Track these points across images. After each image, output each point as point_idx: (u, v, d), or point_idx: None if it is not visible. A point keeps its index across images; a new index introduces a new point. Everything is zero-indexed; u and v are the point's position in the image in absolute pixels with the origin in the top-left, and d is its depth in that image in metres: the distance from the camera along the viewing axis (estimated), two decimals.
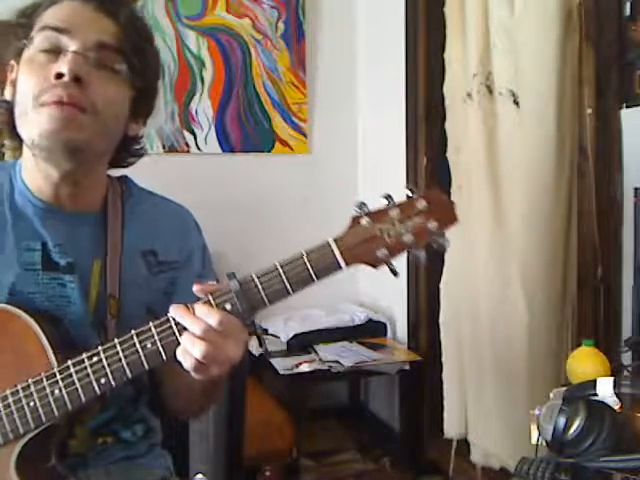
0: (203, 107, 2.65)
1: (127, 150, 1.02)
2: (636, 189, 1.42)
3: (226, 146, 2.69)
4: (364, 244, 0.81)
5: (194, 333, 0.80)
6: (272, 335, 2.49)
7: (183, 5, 2.61)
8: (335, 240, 0.81)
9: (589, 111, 1.68)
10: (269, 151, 2.75)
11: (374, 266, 0.82)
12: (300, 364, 2.25)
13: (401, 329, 2.60)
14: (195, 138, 2.65)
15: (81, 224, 0.98)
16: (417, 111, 2.43)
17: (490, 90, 1.93)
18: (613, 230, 1.67)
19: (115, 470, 1.02)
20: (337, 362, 2.26)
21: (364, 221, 0.81)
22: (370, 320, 2.58)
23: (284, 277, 0.80)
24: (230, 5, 2.67)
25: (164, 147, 2.60)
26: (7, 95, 0.94)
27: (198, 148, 2.65)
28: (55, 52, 0.88)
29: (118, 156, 1.02)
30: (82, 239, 0.97)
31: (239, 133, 2.70)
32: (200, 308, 0.81)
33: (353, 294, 2.83)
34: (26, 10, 0.94)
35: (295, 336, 2.42)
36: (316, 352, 2.36)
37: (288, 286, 0.81)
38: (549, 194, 1.76)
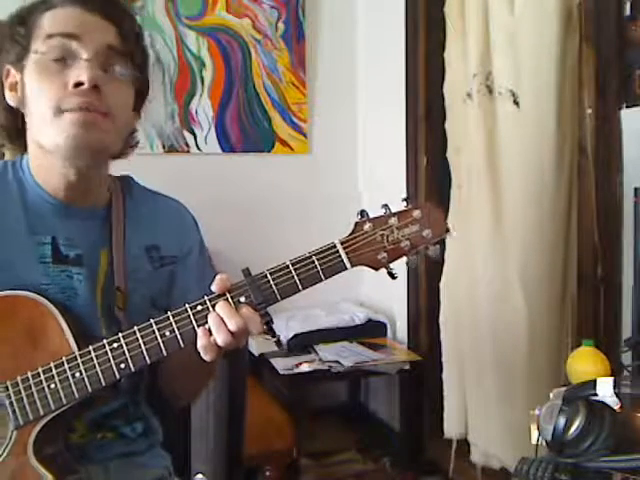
0: (203, 107, 2.65)
1: (127, 143, 1.07)
2: (636, 189, 1.42)
3: (226, 146, 2.69)
4: (367, 247, 0.87)
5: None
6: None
7: (183, 5, 2.61)
8: (341, 242, 0.87)
9: (589, 111, 1.68)
10: (269, 151, 2.75)
11: (375, 268, 0.88)
12: (300, 364, 2.25)
13: (401, 329, 2.60)
14: (195, 138, 2.65)
15: (89, 218, 1.02)
16: (417, 111, 2.43)
17: (490, 90, 1.93)
18: (613, 230, 1.67)
19: (114, 467, 1.03)
20: (337, 362, 2.26)
21: (367, 226, 0.87)
22: (370, 320, 2.58)
23: (294, 274, 0.87)
24: (230, 5, 2.67)
25: (164, 147, 2.60)
26: (10, 100, 0.97)
27: (198, 148, 2.65)
28: (65, 59, 0.92)
29: (119, 150, 1.06)
30: (90, 232, 1.01)
31: (239, 133, 2.70)
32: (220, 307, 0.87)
33: (353, 294, 2.82)
34: (21, 15, 0.96)
35: (295, 336, 2.41)
36: (316, 352, 2.36)
37: (298, 283, 0.87)
38: (549, 194, 1.76)
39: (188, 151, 2.64)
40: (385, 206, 0.88)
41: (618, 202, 1.65)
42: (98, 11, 0.94)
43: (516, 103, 1.83)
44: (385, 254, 0.87)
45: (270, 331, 0.89)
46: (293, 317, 2.53)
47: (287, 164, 2.78)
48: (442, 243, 0.90)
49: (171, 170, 2.49)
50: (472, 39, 1.97)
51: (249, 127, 2.71)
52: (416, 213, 0.87)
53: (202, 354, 0.87)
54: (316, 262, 0.86)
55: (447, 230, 0.88)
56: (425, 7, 2.37)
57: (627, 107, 1.63)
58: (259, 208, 2.69)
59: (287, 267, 0.87)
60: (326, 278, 0.87)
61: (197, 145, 2.65)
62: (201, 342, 0.87)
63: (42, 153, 0.96)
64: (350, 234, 0.88)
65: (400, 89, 2.49)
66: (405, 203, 0.88)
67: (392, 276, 0.88)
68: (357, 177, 2.87)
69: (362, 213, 0.88)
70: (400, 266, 0.88)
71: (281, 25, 2.74)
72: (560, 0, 1.69)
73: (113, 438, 1.04)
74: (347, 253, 0.86)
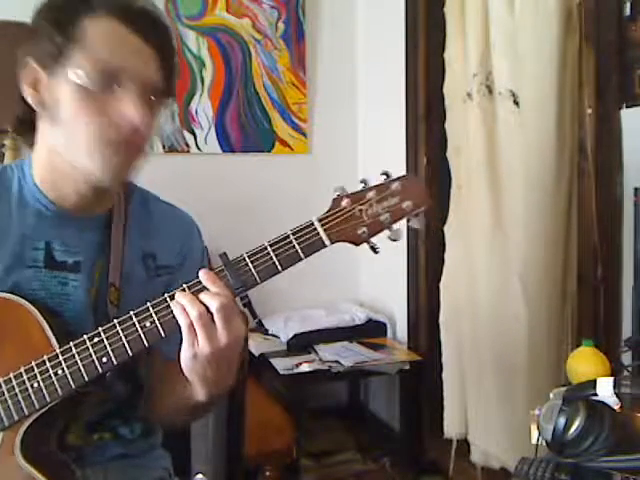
0: (203, 107, 2.65)
1: None
2: (636, 189, 1.42)
3: (226, 146, 2.69)
4: (345, 223, 0.87)
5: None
6: (272, 335, 2.49)
7: (183, 5, 2.61)
8: (319, 220, 0.87)
9: (589, 111, 1.68)
10: (269, 151, 2.75)
11: (356, 244, 0.87)
12: (300, 364, 2.25)
13: (401, 329, 2.60)
14: (195, 138, 2.65)
15: (89, 225, 1.00)
16: (417, 111, 2.43)
17: (490, 90, 1.93)
18: (613, 230, 1.67)
19: (112, 469, 1.02)
20: (337, 362, 2.26)
21: (344, 202, 0.87)
22: (370, 320, 2.58)
23: (273, 255, 0.86)
24: (230, 5, 2.67)
25: (164, 147, 2.60)
26: (29, 97, 0.92)
27: (198, 148, 2.65)
28: (109, 85, 0.88)
29: None
30: (89, 239, 0.99)
31: (239, 133, 2.70)
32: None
33: (353, 294, 2.82)
34: (58, 14, 0.89)
35: (295, 336, 2.41)
36: (316, 352, 2.36)
37: (277, 264, 0.86)
38: (549, 194, 1.76)
39: (188, 151, 2.64)
40: (363, 181, 0.88)
41: (618, 202, 1.65)
42: (145, 38, 0.89)
43: (516, 103, 1.83)
44: (365, 228, 0.86)
45: (251, 312, 0.89)
46: (293, 317, 2.53)
47: (287, 164, 2.78)
48: (426, 214, 0.88)
49: (171, 170, 2.48)
50: (472, 39, 1.97)
51: (249, 127, 2.71)
52: (394, 185, 0.86)
53: (187, 363, 0.86)
54: (294, 241, 0.86)
55: (427, 200, 0.87)
56: (425, 7, 2.37)
57: (627, 107, 1.63)
58: (259, 208, 2.69)
59: (265, 248, 0.86)
60: (306, 257, 0.86)
61: (197, 145, 2.65)
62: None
63: (59, 164, 0.93)
64: (328, 211, 0.87)
65: (400, 89, 2.49)
66: (384, 177, 0.87)
67: (374, 250, 0.87)
68: (357, 177, 2.84)
69: (339, 190, 0.88)
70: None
71: (281, 25, 2.74)
72: (560, 0, 1.69)
73: (110, 439, 1.03)
74: (325, 230, 0.86)
